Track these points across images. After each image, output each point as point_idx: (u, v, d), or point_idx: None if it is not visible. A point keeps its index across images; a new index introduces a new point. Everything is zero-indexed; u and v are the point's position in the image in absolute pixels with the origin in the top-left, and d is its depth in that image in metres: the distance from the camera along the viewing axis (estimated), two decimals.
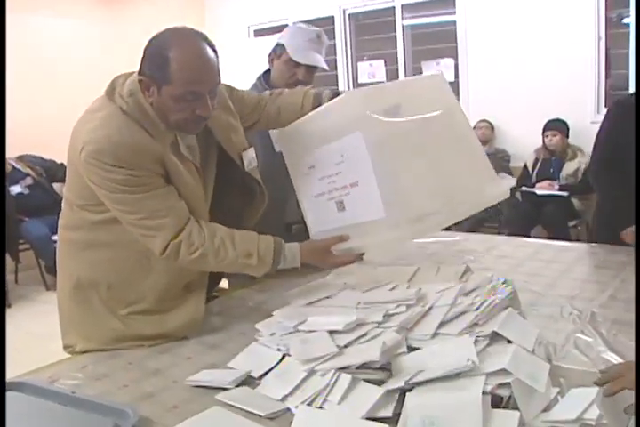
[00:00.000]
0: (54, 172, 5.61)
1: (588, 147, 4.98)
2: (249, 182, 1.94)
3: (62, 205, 1.79)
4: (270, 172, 2.07)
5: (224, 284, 2.38)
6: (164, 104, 1.59)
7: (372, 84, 5.86)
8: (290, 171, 1.99)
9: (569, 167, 5.13)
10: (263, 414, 1.27)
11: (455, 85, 6.09)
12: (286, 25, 6.59)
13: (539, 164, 5.32)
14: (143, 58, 1.60)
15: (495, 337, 1.40)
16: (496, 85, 5.80)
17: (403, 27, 6.41)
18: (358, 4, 6.65)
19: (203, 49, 1.58)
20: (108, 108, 1.61)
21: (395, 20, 6.40)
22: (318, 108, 1.93)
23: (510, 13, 5.62)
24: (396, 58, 6.43)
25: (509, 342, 1.39)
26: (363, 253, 1.84)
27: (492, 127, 5.65)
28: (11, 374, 1.44)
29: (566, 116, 5.20)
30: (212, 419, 1.28)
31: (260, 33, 7.39)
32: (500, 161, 5.51)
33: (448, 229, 5.05)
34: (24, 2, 5.88)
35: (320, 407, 1.27)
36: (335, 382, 1.30)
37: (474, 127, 5.63)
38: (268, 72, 2.49)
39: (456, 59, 6.09)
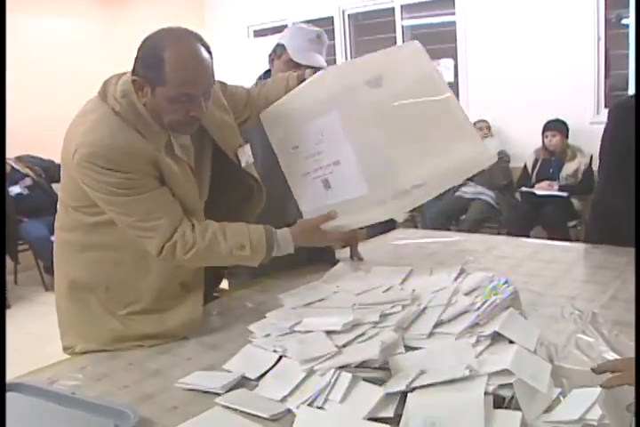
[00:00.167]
0: (53, 172, 5.59)
1: (588, 147, 5.01)
2: (246, 179, 1.94)
3: (57, 206, 1.78)
4: (271, 171, 2.06)
5: (224, 284, 2.38)
6: (157, 105, 1.59)
7: None
8: (276, 151, 2.00)
9: (568, 168, 5.13)
10: (267, 416, 1.26)
11: (455, 86, 6.09)
12: (286, 25, 6.57)
13: (538, 164, 5.31)
14: (137, 58, 1.60)
15: (496, 337, 1.40)
16: (495, 86, 5.80)
17: (402, 27, 6.41)
18: (358, 5, 6.64)
19: (197, 50, 1.58)
20: (101, 109, 1.61)
21: (394, 21, 6.40)
22: (296, 88, 1.94)
23: (510, 14, 5.62)
24: None
25: (511, 342, 1.38)
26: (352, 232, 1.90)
27: (489, 127, 5.63)
28: (10, 374, 1.43)
29: (566, 116, 5.20)
30: (212, 420, 1.27)
31: (259, 33, 7.39)
32: (500, 161, 5.50)
33: (448, 229, 5.10)
34: (24, 2, 5.88)
35: (320, 407, 1.27)
36: (335, 381, 1.30)
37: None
38: (268, 72, 2.49)
39: (455, 59, 6.09)
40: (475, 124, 5.62)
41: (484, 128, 5.58)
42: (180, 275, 1.76)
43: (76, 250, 1.74)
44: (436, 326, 1.46)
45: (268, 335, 1.58)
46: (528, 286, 1.97)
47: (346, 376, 1.30)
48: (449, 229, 5.15)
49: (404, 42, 6.37)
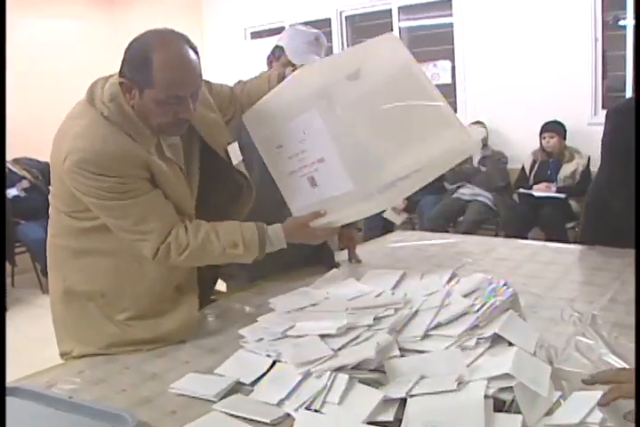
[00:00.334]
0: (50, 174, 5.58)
1: (586, 148, 5.01)
2: (235, 177, 1.93)
3: (50, 211, 1.77)
4: (269, 175, 2.06)
5: (222, 287, 2.37)
6: (145, 107, 1.58)
7: None
8: (260, 151, 2.00)
9: (566, 169, 5.13)
10: (268, 421, 1.25)
11: (452, 87, 6.09)
12: (283, 27, 6.57)
13: (536, 166, 5.31)
14: (124, 60, 1.59)
15: (496, 339, 1.40)
16: (493, 87, 5.79)
17: (399, 29, 6.41)
18: (355, 6, 6.64)
19: (185, 52, 1.57)
20: (90, 114, 1.60)
21: (391, 22, 6.40)
22: (276, 87, 1.95)
23: (507, 15, 5.62)
24: None
25: (510, 344, 1.38)
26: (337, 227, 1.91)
27: (486, 129, 5.62)
28: (8, 377, 1.43)
29: (563, 117, 5.20)
30: (210, 425, 1.27)
31: (256, 35, 7.38)
32: (498, 163, 5.51)
33: (445, 231, 5.09)
34: (25, 3, 5.87)
35: (318, 411, 1.26)
36: (332, 383, 1.30)
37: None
38: None
39: (453, 61, 6.09)
40: (471, 125, 5.63)
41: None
42: (174, 278, 1.76)
43: (69, 256, 1.73)
44: (434, 328, 1.46)
45: (260, 340, 1.57)
46: (527, 288, 1.96)
47: (342, 378, 1.30)
48: (447, 231, 5.15)
49: None
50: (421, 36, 6.55)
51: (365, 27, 6.77)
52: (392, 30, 6.38)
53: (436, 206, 5.46)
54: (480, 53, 5.85)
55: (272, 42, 2.45)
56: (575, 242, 2.72)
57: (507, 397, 1.19)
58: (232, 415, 1.28)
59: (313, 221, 1.87)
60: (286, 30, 2.47)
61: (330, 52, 6.55)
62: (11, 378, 1.48)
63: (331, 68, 1.87)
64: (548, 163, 5.25)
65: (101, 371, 1.59)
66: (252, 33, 7.48)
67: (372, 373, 1.35)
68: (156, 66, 1.52)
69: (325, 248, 2.39)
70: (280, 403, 1.31)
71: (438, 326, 1.46)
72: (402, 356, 1.40)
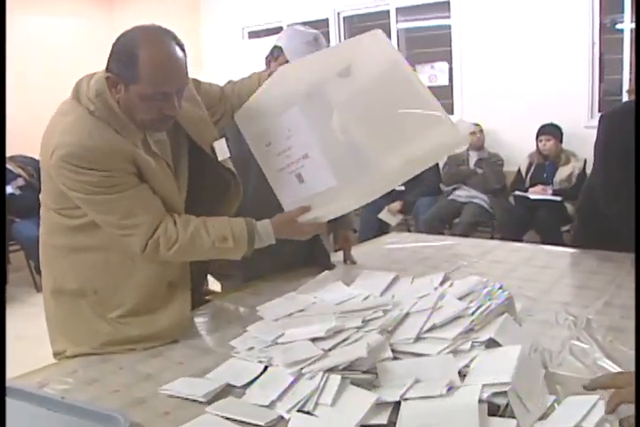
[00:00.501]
0: None
1: (582, 152, 5.02)
2: (222, 174, 1.93)
3: (41, 210, 1.77)
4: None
5: (217, 287, 2.37)
6: (131, 102, 1.59)
7: None
8: (252, 150, 2.00)
9: (562, 172, 5.14)
10: (262, 424, 1.24)
11: (449, 89, 6.09)
12: (281, 27, 6.57)
13: (532, 168, 5.32)
14: (111, 55, 1.59)
15: (491, 343, 1.39)
16: (490, 89, 5.80)
17: (397, 30, 6.41)
18: (353, 7, 6.64)
19: (171, 48, 1.58)
20: (76, 110, 1.60)
21: (389, 24, 6.40)
22: (263, 85, 1.95)
23: (505, 18, 5.63)
24: None
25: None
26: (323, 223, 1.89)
27: (482, 131, 5.63)
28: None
29: (560, 120, 5.20)
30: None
31: (254, 35, 7.38)
32: (494, 165, 5.52)
33: (441, 233, 5.09)
34: (24, 2, 5.86)
35: (309, 413, 1.26)
36: (325, 384, 1.29)
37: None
38: None
39: (450, 62, 6.09)
40: (459, 120, 5.63)
41: (476, 132, 5.59)
42: (166, 275, 1.76)
43: (61, 254, 1.74)
44: (429, 330, 1.45)
45: (251, 348, 1.56)
46: (522, 292, 1.96)
47: (335, 379, 1.30)
48: (442, 233, 5.15)
49: (398, 45, 6.38)
50: (419, 37, 6.55)
51: (363, 27, 6.77)
52: (390, 31, 6.38)
53: (431, 208, 5.46)
54: (477, 55, 5.85)
55: (270, 41, 2.44)
56: (570, 245, 2.71)
57: (501, 401, 1.18)
58: (225, 418, 1.28)
59: (300, 216, 1.87)
60: (285, 30, 2.46)
61: None
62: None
63: (319, 64, 1.87)
64: (544, 165, 5.25)
65: (95, 371, 1.58)
66: (249, 32, 7.48)
67: (365, 374, 1.35)
68: (142, 62, 1.53)
69: (321, 249, 2.39)
70: (272, 405, 1.30)
71: (433, 328, 1.45)
72: (395, 358, 1.40)
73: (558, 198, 5.01)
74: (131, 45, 1.55)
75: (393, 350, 1.41)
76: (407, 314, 1.54)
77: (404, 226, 5.70)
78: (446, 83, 6.16)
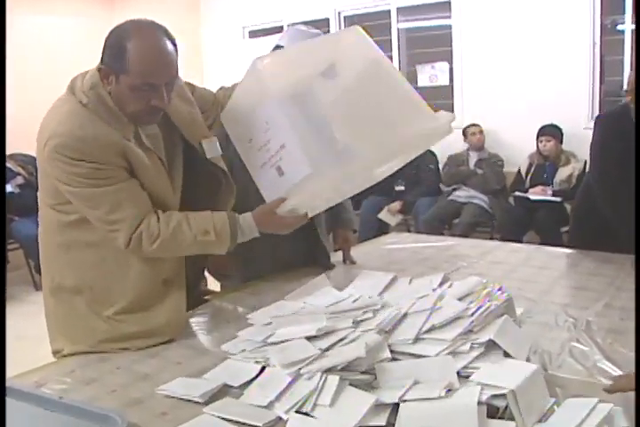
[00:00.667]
0: None
1: (582, 153, 5.00)
2: (214, 172, 1.92)
3: (39, 206, 1.78)
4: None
5: (216, 287, 2.36)
6: (121, 93, 1.62)
7: None
8: (237, 149, 1.98)
9: (562, 173, 5.13)
10: (260, 424, 1.24)
11: (450, 89, 6.08)
12: (281, 26, 6.55)
13: (532, 169, 5.31)
14: (103, 47, 1.63)
15: (490, 345, 1.39)
16: (491, 90, 5.79)
17: (398, 30, 6.40)
18: (354, 7, 6.63)
19: (160, 41, 1.61)
20: (70, 103, 1.64)
21: (390, 23, 6.39)
22: (240, 81, 1.92)
23: (506, 18, 5.62)
24: (391, 61, 6.42)
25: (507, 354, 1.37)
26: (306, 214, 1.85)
27: (481, 131, 5.62)
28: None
29: (560, 121, 5.20)
30: None
31: (254, 34, 7.36)
32: (494, 165, 5.51)
33: (441, 233, 5.09)
34: (25, 1, 5.85)
35: (308, 414, 1.25)
36: (323, 385, 1.29)
37: (465, 131, 5.63)
38: None
39: (451, 62, 6.08)
40: (467, 127, 5.63)
41: (476, 133, 5.58)
42: (161, 272, 1.76)
43: (58, 251, 1.75)
44: (428, 331, 1.45)
45: (243, 351, 1.56)
46: (522, 293, 1.96)
47: (333, 379, 1.30)
48: (442, 233, 5.14)
49: (399, 44, 6.37)
50: (420, 37, 6.54)
51: (364, 27, 6.75)
52: (390, 31, 6.38)
53: (431, 208, 5.46)
54: (478, 56, 5.84)
55: (270, 41, 2.44)
56: (568, 246, 2.71)
57: (500, 403, 1.18)
58: (223, 419, 1.27)
59: (278, 207, 1.81)
60: (287, 30, 2.46)
61: None
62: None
63: (300, 61, 1.84)
64: (544, 166, 5.25)
65: (92, 371, 1.58)
66: (249, 32, 7.47)
67: (363, 375, 1.34)
68: (131, 52, 1.56)
69: (321, 249, 2.38)
70: (270, 405, 1.30)
71: (432, 329, 1.45)
72: (394, 359, 1.40)
73: (558, 199, 5.00)
74: (121, 37, 1.58)
75: (392, 351, 1.41)
76: (405, 314, 1.53)
77: (403, 226, 5.69)
78: (447, 83, 6.15)
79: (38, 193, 1.77)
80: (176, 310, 1.77)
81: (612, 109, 2.78)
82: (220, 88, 2.14)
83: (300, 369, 1.35)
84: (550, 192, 5.09)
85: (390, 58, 6.41)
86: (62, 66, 6.21)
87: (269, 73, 1.75)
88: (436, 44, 6.27)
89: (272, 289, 2.11)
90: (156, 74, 1.59)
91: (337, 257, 2.45)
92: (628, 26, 5.15)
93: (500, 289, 1.60)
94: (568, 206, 4.99)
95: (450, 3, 5.94)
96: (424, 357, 1.38)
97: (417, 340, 1.43)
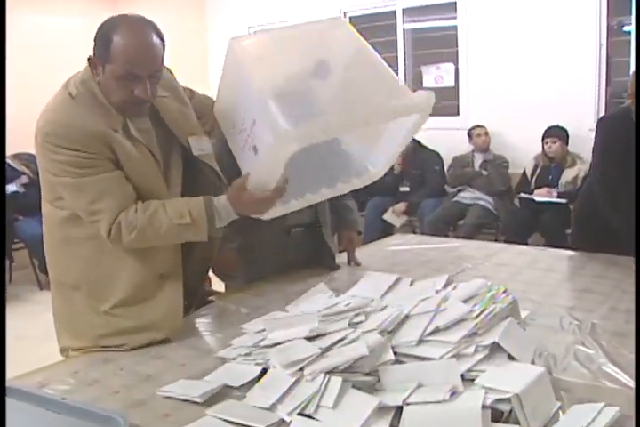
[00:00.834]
0: None
1: (588, 154, 4.96)
2: (207, 172, 1.91)
3: (41, 204, 1.80)
4: None
5: (220, 287, 2.36)
6: (107, 82, 1.65)
7: None
8: (228, 141, 1.92)
9: (568, 174, 5.11)
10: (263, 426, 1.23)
11: (455, 90, 6.07)
12: None
13: (538, 170, 5.29)
14: (94, 39, 1.68)
15: (494, 348, 1.38)
16: (496, 91, 5.78)
17: (403, 30, 6.39)
18: (359, 7, 6.63)
19: (145, 33, 1.64)
20: (61, 95, 1.69)
21: (396, 24, 6.39)
22: (222, 72, 1.90)
23: (512, 19, 5.61)
24: (397, 62, 6.42)
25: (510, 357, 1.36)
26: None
27: (487, 133, 5.61)
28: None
29: (566, 123, 5.18)
30: None
31: None
32: (499, 167, 5.50)
33: (446, 234, 5.08)
34: (24, 1, 5.85)
35: (310, 416, 1.25)
36: (326, 387, 1.29)
37: (470, 132, 5.62)
38: None
39: (456, 64, 6.07)
40: (473, 129, 5.62)
41: (481, 134, 5.57)
42: (157, 266, 1.76)
43: (58, 247, 1.78)
44: (432, 333, 1.44)
45: (237, 356, 1.55)
46: (527, 295, 1.95)
47: (336, 381, 1.29)
48: (447, 235, 5.13)
49: (404, 45, 6.37)
50: (425, 38, 6.53)
51: (369, 28, 6.75)
52: (396, 32, 6.37)
53: (436, 210, 5.45)
54: (484, 57, 5.83)
55: None
56: (571, 248, 2.71)
57: (504, 407, 1.17)
58: (225, 421, 1.27)
59: (247, 182, 1.73)
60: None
61: None
62: (6, 375, 1.46)
63: (285, 52, 1.80)
64: (549, 168, 5.23)
65: (95, 371, 1.58)
66: (255, 32, 7.47)
67: (367, 377, 1.34)
68: (116, 42, 1.60)
69: (326, 250, 2.38)
70: (273, 407, 1.29)
71: (436, 331, 1.44)
72: (397, 361, 1.39)
73: (563, 201, 4.98)
74: (109, 28, 1.63)
75: (395, 353, 1.40)
76: (408, 316, 1.52)
77: (408, 227, 5.69)
78: (452, 84, 6.14)
79: (42, 191, 1.78)
80: (172, 304, 1.77)
81: (615, 112, 2.79)
82: None
83: (301, 369, 1.35)
84: (556, 194, 5.08)
85: (395, 58, 6.41)
86: (63, 66, 6.21)
87: (250, 62, 1.72)
88: (441, 45, 6.26)
89: (277, 290, 2.11)
90: (139, 64, 1.62)
91: (341, 258, 2.44)
92: (634, 27, 5.13)
93: (504, 292, 1.59)
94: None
95: (456, 3, 5.93)
96: (428, 359, 1.37)
97: (421, 342, 1.42)
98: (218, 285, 2.36)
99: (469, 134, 5.63)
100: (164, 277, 1.77)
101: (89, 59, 1.67)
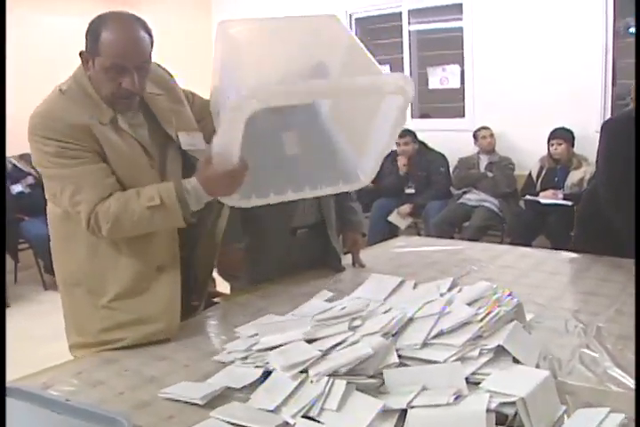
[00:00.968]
0: None
1: (594, 156, 4.95)
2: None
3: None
4: None
5: (226, 289, 2.36)
6: (96, 75, 1.69)
7: None
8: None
9: (574, 176, 5.10)
10: None
11: (460, 92, 6.07)
12: None
13: (543, 172, 5.29)
14: (85, 34, 1.71)
15: (499, 351, 1.38)
16: (502, 93, 5.77)
17: (409, 32, 6.39)
18: (365, 9, 6.63)
19: (132, 27, 1.68)
20: (53, 91, 1.74)
21: (401, 26, 6.38)
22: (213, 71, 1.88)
23: (517, 21, 5.60)
24: (402, 63, 6.42)
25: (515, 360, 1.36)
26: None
27: (492, 135, 5.60)
28: (8, 376, 1.42)
29: (572, 124, 5.17)
30: None
31: None
32: (505, 169, 5.49)
33: (451, 236, 5.07)
34: (25, 1, 5.86)
35: (314, 419, 1.25)
36: (330, 389, 1.28)
37: (476, 134, 5.61)
38: None
39: (462, 65, 6.06)
40: (478, 130, 5.62)
41: (487, 136, 5.56)
42: (154, 259, 1.77)
43: (60, 244, 1.81)
44: (436, 336, 1.43)
45: (233, 361, 1.55)
46: (532, 298, 1.94)
47: (340, 384, 1.29)
48: (452, 237, 5.12)
49: (410, 47, 6.36)
50: (431, 39, 6.53)
51: (375, 29, 6.76)
52: (402, 33, 6.37)
53: (441, 211, 5.44)
54: (489, 58, 5.82)
55: None
56: (575, 250, 2.70)
57: (509, 411, 1.17)
58: (229, 423, 1.27)
59: (209, 156, 1.69)
60: None
61: None
62: (11, 376, 1.47)
63: (281, 55, 1.81)
64: (555, 170, 5.22)
65: (100, 373, 1.58)
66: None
67: (371, 379, 1.34)
68: (104, 36, 1.65)
69: (332, 251, 2.38)
70: (277, 409, 1.29)
71: (440, 334, 1.43)
72: (402, 363, 1.39)
73: (569, 203, 4.97)
74: (98, 23, 1.68)
75: (399, 356, 1.40)
76: (412, 319, 1.52)
77: (413, 229, 5.68)
78: (458, 86, 6.14)
79: None
80: (170, 297, 1.78)
81: (619, 114, 2.79)
82: None
83: (302, 372, 1.35)
84: (561, 196, 5.07)
85: (401, 60, 6.40)
86: (63, 66, 6.23)
87: (237, 54, 1.72)
88: (447, 47, 6.25)
89: (282, 292, 2.11)
90: (125, 55, 1.65)
91: (346, 260, 2.44)
92: (635, 29, 5.12)
93: (509, 295, 1.59)
94: None
95: (461, 5, 5.93)
96: (432, 362, 1.36)
97: (425, 345, 1.42)
98: (223, 286, 2.37)
99: (475, 136, 5.63)
100: (161, 270, 1.78)
101: (80, 53, 1.71)
